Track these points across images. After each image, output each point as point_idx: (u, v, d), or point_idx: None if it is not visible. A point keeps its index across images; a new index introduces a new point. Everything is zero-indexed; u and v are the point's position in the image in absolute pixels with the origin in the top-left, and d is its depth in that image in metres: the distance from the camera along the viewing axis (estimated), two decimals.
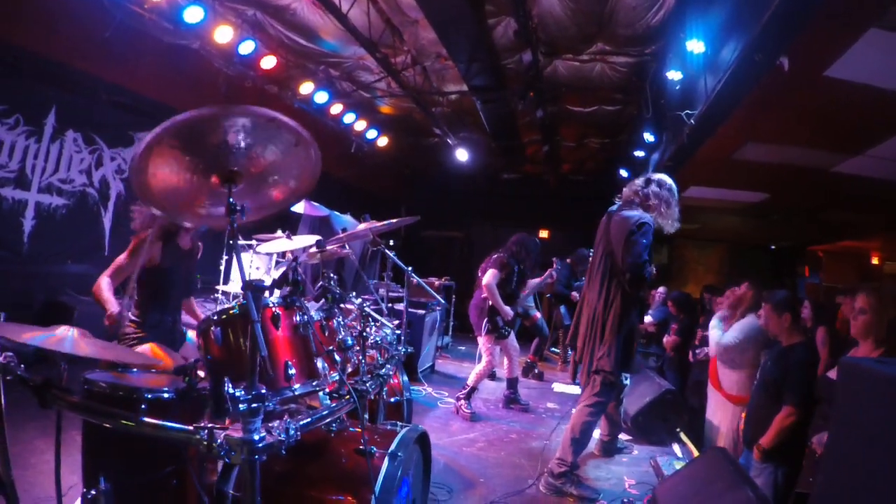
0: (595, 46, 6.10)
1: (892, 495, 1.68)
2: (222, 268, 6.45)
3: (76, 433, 2.11)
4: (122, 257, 3.17)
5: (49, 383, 1.80)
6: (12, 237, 5.29)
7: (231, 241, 1.80)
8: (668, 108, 5.92)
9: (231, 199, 1.85)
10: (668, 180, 4.00)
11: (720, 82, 4.17)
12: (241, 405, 1.50)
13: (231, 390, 1.88)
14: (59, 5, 4.95)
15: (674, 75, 5.31)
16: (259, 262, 5.96)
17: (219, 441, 1.51)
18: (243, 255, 6.26)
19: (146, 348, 3.06)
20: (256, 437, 1.51)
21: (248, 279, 1.58)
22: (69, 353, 1.87)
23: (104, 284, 3.06)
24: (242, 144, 1.86)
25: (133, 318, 3.18)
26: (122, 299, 3.09)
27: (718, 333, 4.36)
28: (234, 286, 6.30)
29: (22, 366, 1.83)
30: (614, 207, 4.02)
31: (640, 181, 4.01)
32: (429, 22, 5.43)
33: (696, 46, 4.54)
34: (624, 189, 4.07)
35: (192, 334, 3.52)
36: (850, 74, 3.67)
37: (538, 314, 7.37)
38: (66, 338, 1.94)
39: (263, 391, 1.55)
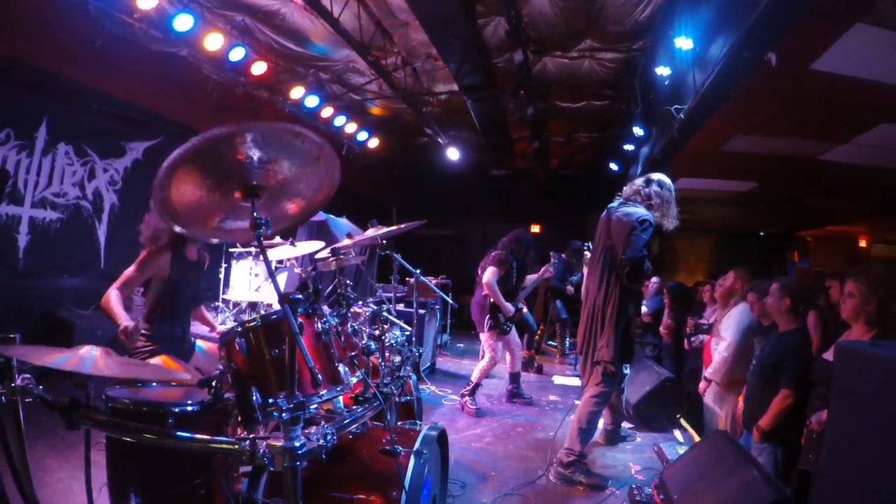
0: (584, 43, 6.18)
1: (889, 468, 1.79)
2: (221, 276, 6.47)
3: (86, 449, 2.07)
4: (131, 269, 3.17)
5: (76, 404, 1.80)
6: (7, 253, 5.28)
7: (261, 256, 1.85)
8: (657, 102, 6.03)
9: (255, 214, 1.91)
10: (668, 180, 4.11)
11: (709, 78, 4.27)
12: (283, 414, 1.56)
13: (259, 400, 1.96)
14: (49, 15, 4.94)
15: (662, 71, 5.41)
16: (259, 269, 5.99)
17: (261, 451, 1.57)
18: (243, 263, 6.29)
19: (158, 361, 3.08)
20: (297, 444, 1.58)
21: (283, 292, 1.64)
22: (91, 373, 1.84)
23: (113, 297, 3.03)
24: (263, 159, 1.92)
25: (143, 330, 3.18)
26: (132, 312, 3.11)
27: (721, 348, 4.43)
28: (235, 294, 6.33)
29: (41, 387, 1.83)
30: (615, 204, 4.11)
31: (640, 181, 4.10)
32: (420, 24, 5.48)
33: (684, 43, 4.64)
34: (624, 188, 4.16)
35: (201, 344, 3.57)
36: (836, 67, 3.79)
37: (524, 308, 7.47)
38: (88, 357, 1.94)
39: (302, 399, 1.62)
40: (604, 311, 3.97)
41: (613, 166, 9.77)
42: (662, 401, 5.26)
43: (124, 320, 2.95)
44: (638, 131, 7.32)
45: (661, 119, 6.22)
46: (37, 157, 5.40)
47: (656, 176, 4.10)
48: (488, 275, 5.57)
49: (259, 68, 6.48)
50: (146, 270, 3.18)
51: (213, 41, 5.77)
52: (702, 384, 4.59)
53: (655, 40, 5.71)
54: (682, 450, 4.26)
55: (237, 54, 6.05)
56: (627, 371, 4.37)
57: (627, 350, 4.05)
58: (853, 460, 2.01)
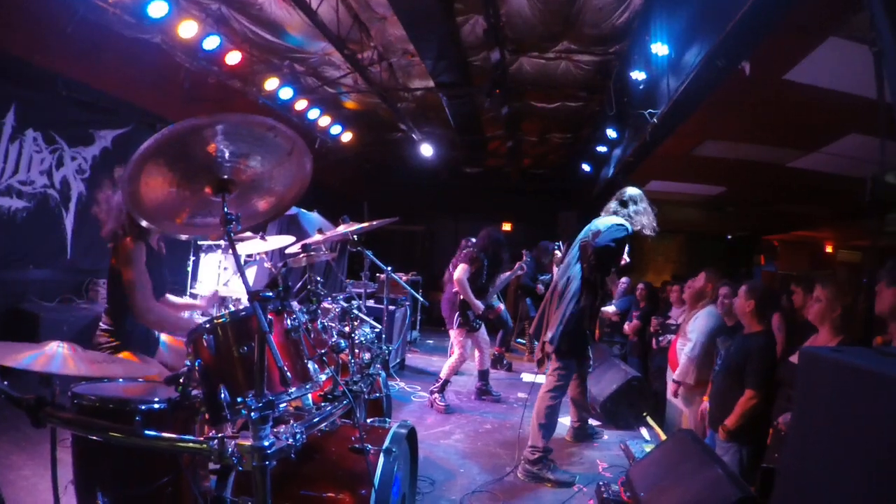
0: (561, 45, 6.22)
1: (849, 470, 1.85)
2: (189, 269, 6.34)
3: (52, 448, 2.04)
4: (143, 277, 2.97)
5: (42, 402, 1.76)
6: None
7: (231, 251, 1.82)
8: (630, 106, 6.11)
9: (226, 209, 1.87)
10: (638, 192, 4.24)
11: (683, 84, 4.35)
12: (252, 413, 1.54)
13: (228, 398, 1.92)
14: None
15: (637, 75, 5.48)
16: (228, 263, 5.88)
17: (230, 449, 1.55)
18: (212, 256, 6.17)
19: (122, 357, 3.00)
20: (267, 444, 1.56)
21: (252, 289, 1.61)
22: (60, 373, 1.82)
23: (159, 311, 2.96)
24: (234, 153, 1.88)
25: (106, 326, 3.08)
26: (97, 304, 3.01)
27: (687, 350, 4.52)
28: (203, 288, 6.21)
29: (6, 382, 1.78)
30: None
31: (613, 205, 4.21)
32: (398, 19, 5.45)
33: (660, 49, 4.71)
34: (609, 208, 4.23)
35: (165, 338, 3.48)
36: (808, 78, 3.90)
37: (501, 306, 7.51)
38: (53, 355, 1.89)
39: (272, 398, 1.59)
40: (561, 297, 4.04)
41: (586, 167, 9.88)
42: (629, 399, 5.36)
43: (198, 302, 3.13)
44: (611, 133, 7.41)
45: (634, 122, 6.31)
46: (3, 143, 5.17)
47: (628, 193, 4.21)
48: (459, 272, 5.59)
49: (233, 58, 6.33)
50: (140, 263, 3.01)
51: (188, 29, 5.61)
52: (671, 387, 4.67)
53: (632, 45, 5.78)
54: (648, 448, 4.34)
55: (211, 43, 5.90)
56: (591, 369, 4.47)
57: (579, 343, 4.10)
58: (814, 461, 2.07)
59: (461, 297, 5.63)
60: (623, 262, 4.29)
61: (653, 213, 4.16)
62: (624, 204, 4.16)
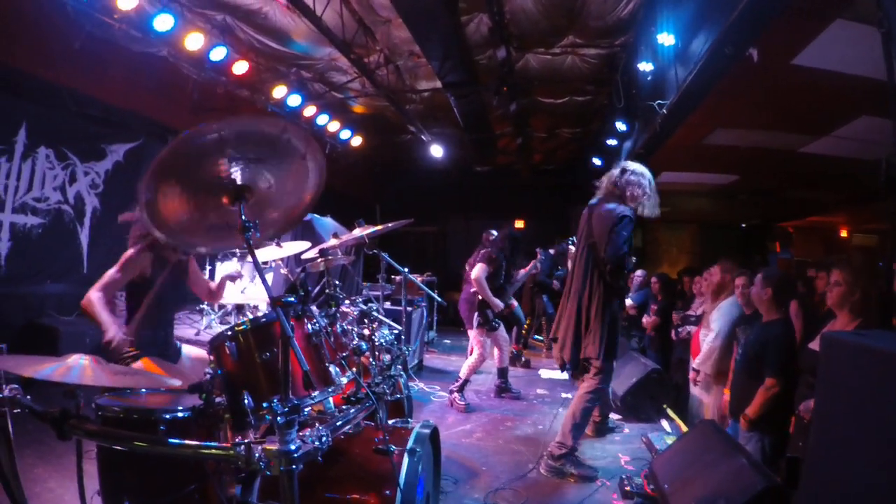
0: (566, 39, 6.21)
1: (873, 455, 1.84)
2: (206, 278, 6.40)
3: (77, 459, 2.07)
4: (113, 271, 3.07)
5: (66, 414, 1.78)
6: None
7: (248, 256, 1.84)
8: (639, 97, 6.09)
9: (243, 217, 1.89)
10: (641, 167, 4.12)
11: (691, 74, 4.32)
12: (279, 417, 1.56)
13: (251, 404, 1.95)
14: (27, 17, 4.87)
15: (645, 66, 5.46)
16: (245, 270, 5.94)
17: (257, 454, 1.57)
18: (228, 264, 6.24)
19: (140, 365, 3.02)
20: (293, 447, 1.58)
21: (274, 296, 1.63)
22: (81, 383, 1.83)
23: (95, 299, 2.94)
24: (248, 158, 1.89)
25: (125, 336, 3.14)
26: (118, 318, 3.05)
27: (709, 339, 4.49)
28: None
29: (28, 397, 1.80)
30: (595, 201, 4.14)
31: (615, 172, 4.11)
32: (403, 22, 5.48)
33: (666, 39, 4.68)
34: (602, 181, 4.18)
35: (186, 349, 3.52)
36: (817, 62, 3.86)
37: (514, 303, 7.51)
38: (77, 367, 1.91)
39: (297, 402, 1.61)
40: (588, 308, 4.00)
41: (596, 161, 9.82)
42: (649, 392, 5.33)
43: (112, 329, 2.87)
44: (620, 126, 7.37)
45: (644, 114, 6.28)
46: (16, 161, 5.29)
47: (630, 165, 4.12)
48: (477, 271, 5.60)
49: (240, 67, 6.42)
50: (129, 272, 3.09)
51: (194, 41, 5.69)
52: (691, 374, 4.65)
53: (637, 36, 5.76)
54: (669, 440, 4.32)
55: (218, 54, 5.98)
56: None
57: (613, 346, 4.08)
58: (839, 447, 2.06)
59: (479, 296, 5.64)
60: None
61: (652, 187, 4.07)
62: (622, 172, 4.03)
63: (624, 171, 4.10)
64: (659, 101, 5.35)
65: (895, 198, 2.34)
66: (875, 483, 1.78)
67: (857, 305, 3.02)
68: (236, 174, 1.84)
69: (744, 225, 14.08)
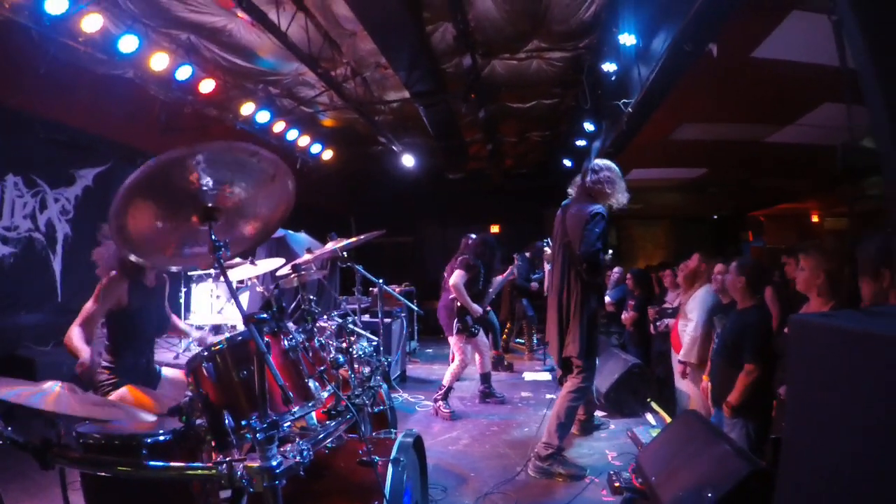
0: (531, 44, 6.29)
1: (847, 433, 1.89)
2: (182, 300, 6.32)
3: (62, 489, 2.02)
4: (90, 304, 3.04)
5: (48, 443, 1.75)
6: None
7: (222, 277, 1.83)
8: (605, 98, 6.19)
9: (213, 237, 1.88)
10: (606, 162, 4.23)
11: (653, 72, 4.41)
12: (258, 434, 1.55)
13: (232, 423, 1.93)
14: None
15: (609, 67, 5.55)
16: (220, 291, 5.89)
17: (239, 472, 1.56)
18: (203, 285, 6.17)
19: (124, 391, 2.99)
20: (275, 463, 1.57)
21: (247, 313, 1.63)
22: (65, 413, 1.80)
23: (75, 334, 2.93)
24: (218, 181, 1.89)
25: (106, 363, 3.08)
26: (93, 346, 3.01)
27: (689, 329, 4.56)
28: (197, 318, 6.20)
29: (9, 428, 1.78)
30: (567, 201, 4.22)
31: (585, 172, 4.20)
32: (368, 33, 5.48)
33: (628, 39, 4.78)
34: (575, 182, 4.26)
35: (166, 371, 3.48)
36: (776, 53, 3.96)
37: (487, 308, 7.56)
38: (54, 394, 1.86)
39: (276, 418, 1.61)
40: (568, 307, 4.06)
41: (567, 162, 9.94)
42: (632, 387, 5.40)
43: (84, 355, 2.85)
44: (589, 126, 7.48)
45: (611, 113, 6.38)
46: None
47: (597, 163, 4.20)
48: (455, 277, 5.62)
49: (207, 86, 6.37)
50: (106, 302, 3.08)
51: (159, 61, 5.63)
52: (678, 368, 4.70)
53: (600, 38, 5.85)
54: (654, 432, 4.37)
55: (184, 73, 5.92)
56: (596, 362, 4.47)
57: (593, 344, 4.14)
58: (813, 425, 2.10)
59: (458, 303, 5.66)
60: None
61: (620, 178, 4.15)
62: (593, 172, 4.11)
63: (592, 170, 4.18)
64: (624, 101, 5.45)
65: (853, 182, 2.42)
66: (850, 459, 1.83)
67: (825, 288, 3.09)
68: (208, 184, 1.84)
69: (716, 216, 14.35)
